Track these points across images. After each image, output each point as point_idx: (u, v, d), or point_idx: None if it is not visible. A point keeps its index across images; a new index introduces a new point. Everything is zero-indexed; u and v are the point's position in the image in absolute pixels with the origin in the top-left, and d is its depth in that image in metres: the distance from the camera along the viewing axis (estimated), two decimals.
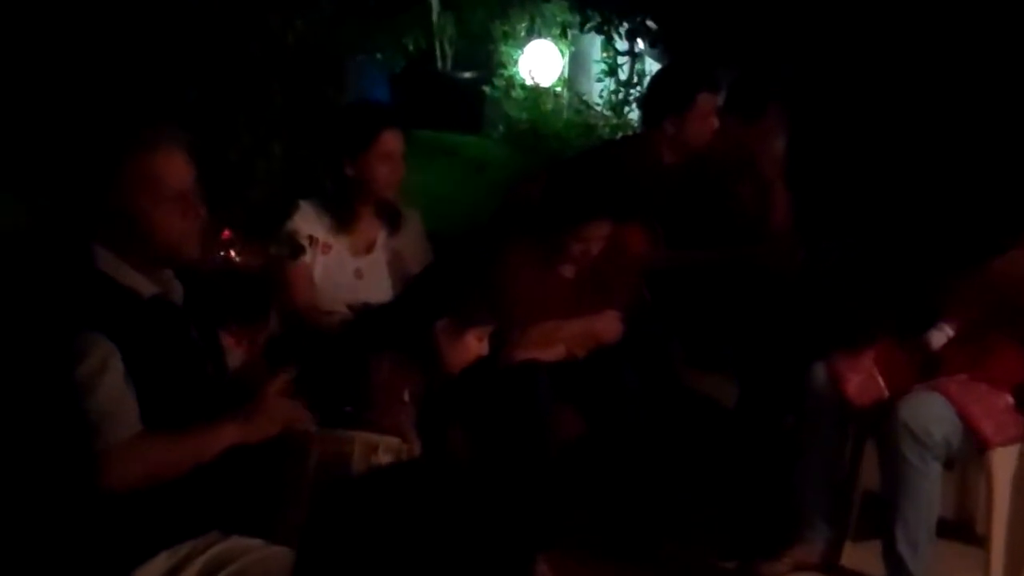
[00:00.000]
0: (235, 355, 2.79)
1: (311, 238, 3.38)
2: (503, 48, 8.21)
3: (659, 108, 4.02)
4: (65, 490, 2.31)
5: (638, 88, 7.29)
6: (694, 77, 4.01)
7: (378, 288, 3.47)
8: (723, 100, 4.09)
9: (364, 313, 3.24)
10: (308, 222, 3.41)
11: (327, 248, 3.43)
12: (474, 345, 3.00)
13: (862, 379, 3.31)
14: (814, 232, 4.04)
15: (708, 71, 4.11)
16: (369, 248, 3.51)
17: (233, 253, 3.26)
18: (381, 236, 3.53)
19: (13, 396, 2.36)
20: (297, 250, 3.35)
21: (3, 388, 2.38)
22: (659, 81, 4.25)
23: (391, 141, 3.43)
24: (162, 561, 2.33)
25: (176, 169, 2.40)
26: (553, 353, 3.52)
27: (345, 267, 3.46)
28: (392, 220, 3.54)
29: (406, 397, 2.90)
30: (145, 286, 2.42)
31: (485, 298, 3.13)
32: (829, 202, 4.54)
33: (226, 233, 3.25)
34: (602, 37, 7.49)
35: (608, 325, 3.59)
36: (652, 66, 7.00)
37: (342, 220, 3.44)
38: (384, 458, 2.70)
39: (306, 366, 2.69)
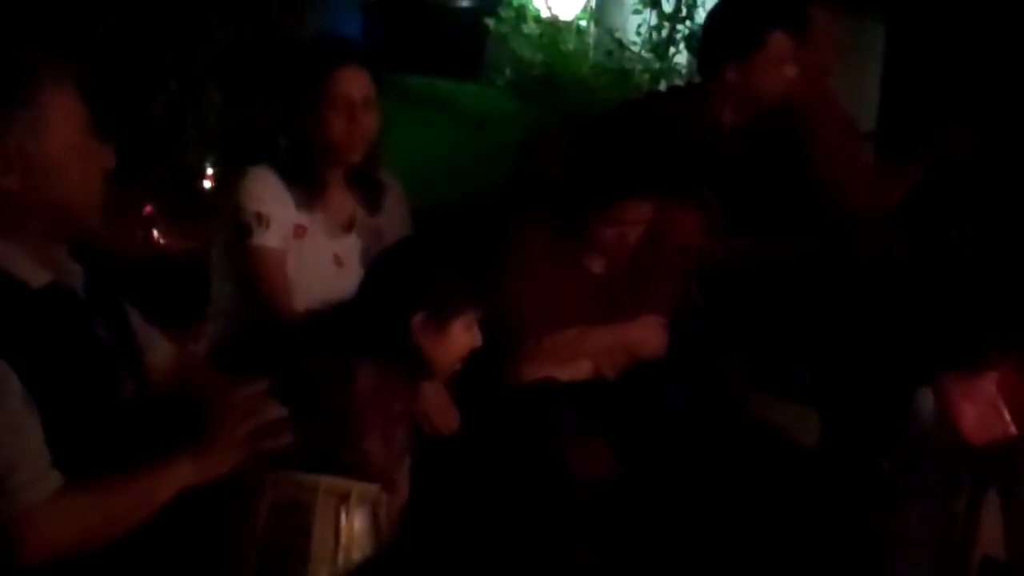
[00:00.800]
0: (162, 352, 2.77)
1: (259, 215, 3.37)
2: None
3: (718, 51, 4.02)
4: None
5: (687, 24, 7.27)
6: (765, 10, 3.99)
7: (359, 276, 3.42)
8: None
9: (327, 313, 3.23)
10: (261, 194, 3.41)
11: (301, 231, 3.45)
12: (461, 336, 3.00)
13: (982, 410, 3.30)
14: (925, 218, 4.00)
15: (784, 2, 4.09)
16: (348, 226, 3.55)
17: (156, 233, 3.26)
18: (358, 211, 3.56)
19: None
20: (244, 229, 3.35)
21: None
22: (718, 15, 4.22)
23: (347, 83, 3.41)
24: None
25: (63, 105, 2.39)
26: (576, 371, 3.56)
27: (323, 253, 3.50)
28: (370, 193, 3.57)
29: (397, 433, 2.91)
30: (33, 273, 2.40)
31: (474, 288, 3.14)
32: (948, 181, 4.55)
33: (148, 208, 3.25)
34: None
35: (647, 335, 3.63)
36: None
37: (309, 192, 3.46)
38: (357, 513, 2.71)
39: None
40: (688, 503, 3.52)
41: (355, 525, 2.71)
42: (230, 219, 3.39)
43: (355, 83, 3.42)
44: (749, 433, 4.00)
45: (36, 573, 2.27)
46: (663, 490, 3.52)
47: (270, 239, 3.39)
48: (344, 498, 2.71)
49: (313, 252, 3.47)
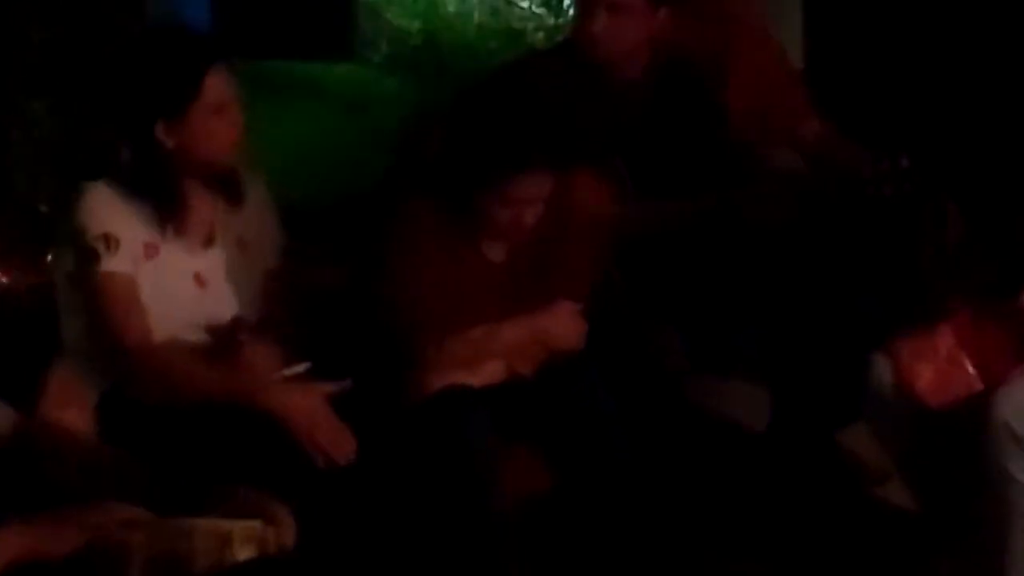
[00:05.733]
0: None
1: (107, 237, 3.36)
2: None
3: None
4: None
5: None
6: None
7: (227, 297, 3.54)
8: None
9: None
10: (102, 214, 3.41)
11: (152, 251, 3.44)
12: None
13: (941, 369, 3.35)
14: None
15: None
16: (208, 240, 3.54)
17: None
18: (219, 220, 3.56)
19: None
20: (88, 256, 3.34)
21: None
22: None
23: (222, 83, 3.45)
24: None
25: None
26: (487, 373, 3.58)
27: (181, 274, 3.49)
28: (231, 195, 3.57)
29: None
30: None
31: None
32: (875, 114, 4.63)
33: None
34: None
35: (562, 324, 3.64)
36: None
37: (164, 208, 3.45)
38: (242, 554, 2.71)
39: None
40: (628, 505, 3.56)
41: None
42: (73, 244, 3.38)
43: (227, 83, 3.45)
44: (690, 421, 4.04)
45: None
46: (599, 495, 3.55)
47: (120, 263, 3.38)
48: (225, 539, 2.71)
49: (169, 272, 3.46)
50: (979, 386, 3.32)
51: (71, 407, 3.01)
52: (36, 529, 2.45)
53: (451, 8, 7.98)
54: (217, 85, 3.43)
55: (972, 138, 4.42)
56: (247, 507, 2.87)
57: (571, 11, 7.33)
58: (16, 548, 2.41)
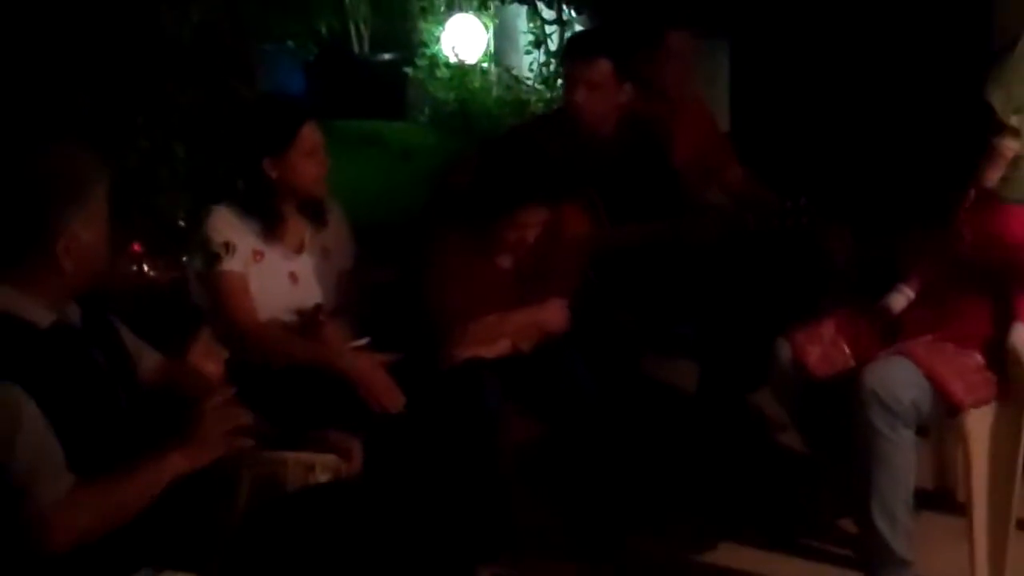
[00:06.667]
0: (151, 362, 2.78)
1: (227, 244, 3.37)
2: (423, 25, 8.21)
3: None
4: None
5: None
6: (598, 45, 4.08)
7: (313, 290, 3.51)
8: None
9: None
10: (223, 227, 3.41)
11: (259, 256, 3.43)
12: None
13: (826, 350, 3.36)
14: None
15: (611, 38, 4.16)
16: (299, 249, 3.52)
17: (146, 267, 3.24)
18: (308, 234, 3.54)
19: None
20: (212, 258, 3.35)
21: None
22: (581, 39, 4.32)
23: (313, 135, 3.44)
24: None
25: (103, 200, 2.43)
26: (498, 349, 3.54)
27: (279, 273, 3.47)
28: (317, 216, 3.54)
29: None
30: (41, 315, 2.41)
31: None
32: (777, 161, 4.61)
33: (135, 246, 3.24)
34: (527, 7, 7.54)
35: (553, 314, 3.62)
36: None
37: (269, 224, 3.44)
38: (322, 478, 2.72)
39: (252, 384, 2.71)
40: (597, 451, 3.54)
41: None
42: (201, 249, 3.38)
43: (318, 134, 3.45)
44: (644, 388, 4.03)
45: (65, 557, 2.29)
46: (577, 442, 3.52)
47: (235, 264, 3.38)
48: (310, 468, 2.72)
49: (271, 272, 3.45)
50: (852, 363, 3.30)
51: (210, 360, 3.02)
52: (190, 451, 2.42)
53: (476, 84, 7.97)
54: (309, 135, 3.42)
55: (856, 183, 4.40)
56: (330, 444, 2.88)
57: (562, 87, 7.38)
58: (179, 466, 2.40)
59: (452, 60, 8.06)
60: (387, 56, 8.63)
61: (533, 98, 7.56)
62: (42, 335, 2.39)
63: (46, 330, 2.40)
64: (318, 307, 3.47)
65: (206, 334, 3.17)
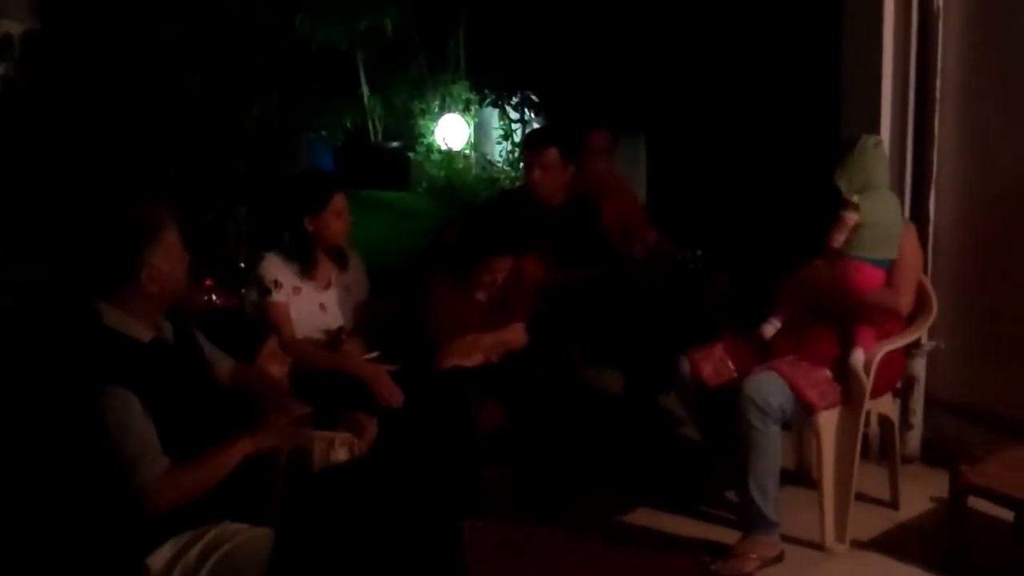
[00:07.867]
0: (226, 365, 2.73)
1: (275, 281, 3.36)
2: (421, 122, 8.21)
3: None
4: (109, 519, 2.28)
5: None
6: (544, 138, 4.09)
7: (337, 316, 3.49)
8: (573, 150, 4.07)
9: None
10: (273, 269, 3.39)
11: (298, 290, 3.41)
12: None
13: (716, 365, 3.35)
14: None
15: (558, 132, 4.16)
16: (327, 285, 3.49)
17: (215, 297, 3.22)
18: (334, 274, 3.51)
19: (46, 449, 2.32)
20: (264, 291, 3.33)
21: (31, 440, 2.34)
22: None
23: (341, 201, 3.45)
24: (168, 548, 2.31)
25: (175, 236, 2.43)
26: (474, 359, 3.52)
27: (312, 303, 3.45)
28: (341, 261, 3.54)
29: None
30: (143, 332, 2.40)
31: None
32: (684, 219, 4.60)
33: (208, 281, 3.22)
34: (498, 110, 7.62)
35: (515, 335, 3.61)
36: None
37: (305, 266, 3.43)
38: (340, 451, 2.68)
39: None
40: (546, 435, 3.52)
41: (340, 458, 2.69)
42: (256, 285, 3.36)
43: (344, 200, 3.45)
44: (582, 391, 4.01)
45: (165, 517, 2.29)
46: (531, 428, 3.51)
47: (281, 297, 3.37)
48: (331, 443, 2.69)
49: (306, 302, 3.44)
50: (735, 375, 3.30)
51: (275, 363, 3.00)
52: (255, 437, 2.43)
53: (460, 166, 7.97)
54: (338, 200, 3.43)
55: (740, 241, 4.40)
56: (352, 424, 2.87)
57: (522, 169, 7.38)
58: (248, 449, 2.40)
59: (443, 148, 8.07)
60: (395, 144, 8.65)
61: (502, 176, 7.57)
62: (144, 348, 2.38)
63: (147, 344, 2.39)
64: (341, 329, 3.46)
65: (273, 343, 3.16)
